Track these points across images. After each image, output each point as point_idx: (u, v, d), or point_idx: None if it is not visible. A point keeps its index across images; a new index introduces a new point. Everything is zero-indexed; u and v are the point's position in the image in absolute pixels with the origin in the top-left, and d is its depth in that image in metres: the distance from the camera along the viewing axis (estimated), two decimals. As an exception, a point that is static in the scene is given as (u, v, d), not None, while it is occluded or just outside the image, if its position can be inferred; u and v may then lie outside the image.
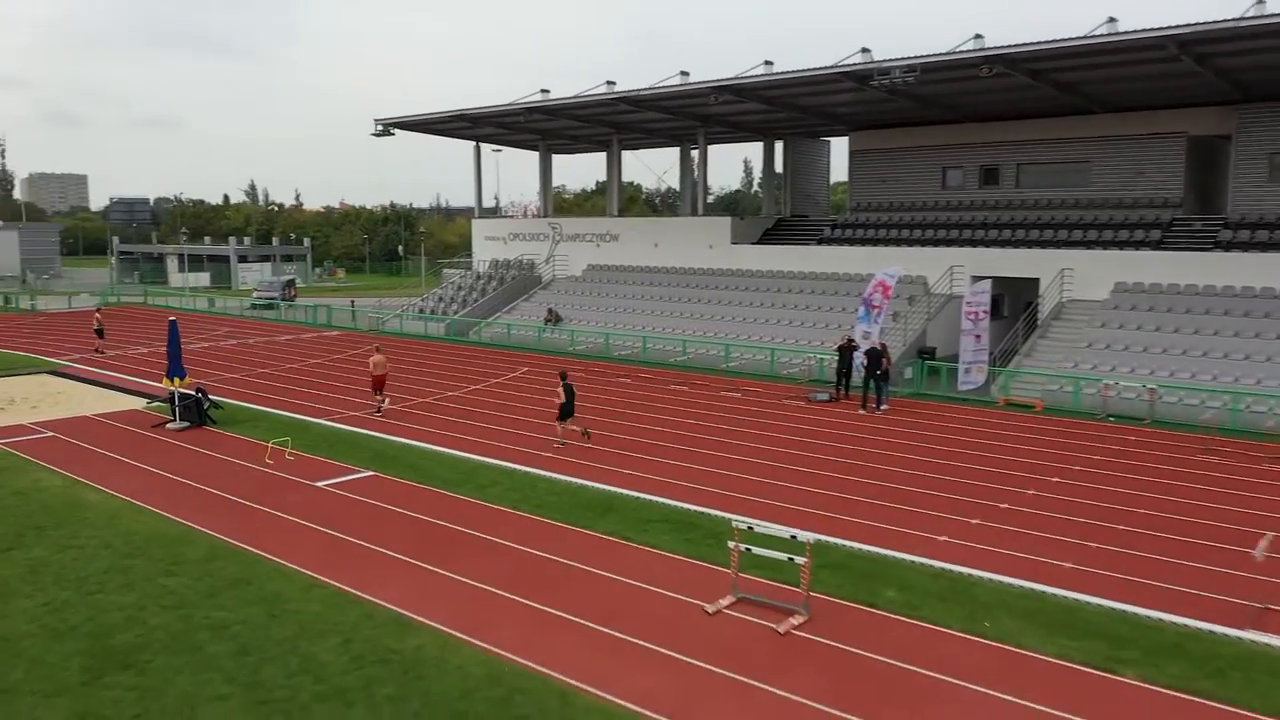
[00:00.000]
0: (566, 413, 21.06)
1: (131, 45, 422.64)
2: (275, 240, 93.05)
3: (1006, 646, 10.88)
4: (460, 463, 19.46)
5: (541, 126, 45.86)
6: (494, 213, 65.59)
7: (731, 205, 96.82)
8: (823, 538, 14.47)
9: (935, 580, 12.96)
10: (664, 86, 35.55)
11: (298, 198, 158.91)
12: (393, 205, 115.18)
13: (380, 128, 44.84)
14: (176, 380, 22.79)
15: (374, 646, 10.78)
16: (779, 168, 46.46)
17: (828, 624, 11.49)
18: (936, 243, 36.49)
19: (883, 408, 24.95)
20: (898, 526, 15.26)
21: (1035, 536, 14.82)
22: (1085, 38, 26.36)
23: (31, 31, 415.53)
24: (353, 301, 52.13)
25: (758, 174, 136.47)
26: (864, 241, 38.67)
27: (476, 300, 45.10)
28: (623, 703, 9.54)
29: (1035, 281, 32.13)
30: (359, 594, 12.35)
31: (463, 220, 49.78)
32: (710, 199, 76.06)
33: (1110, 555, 13.98)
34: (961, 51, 28.49)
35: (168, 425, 22.75)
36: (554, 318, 40.45)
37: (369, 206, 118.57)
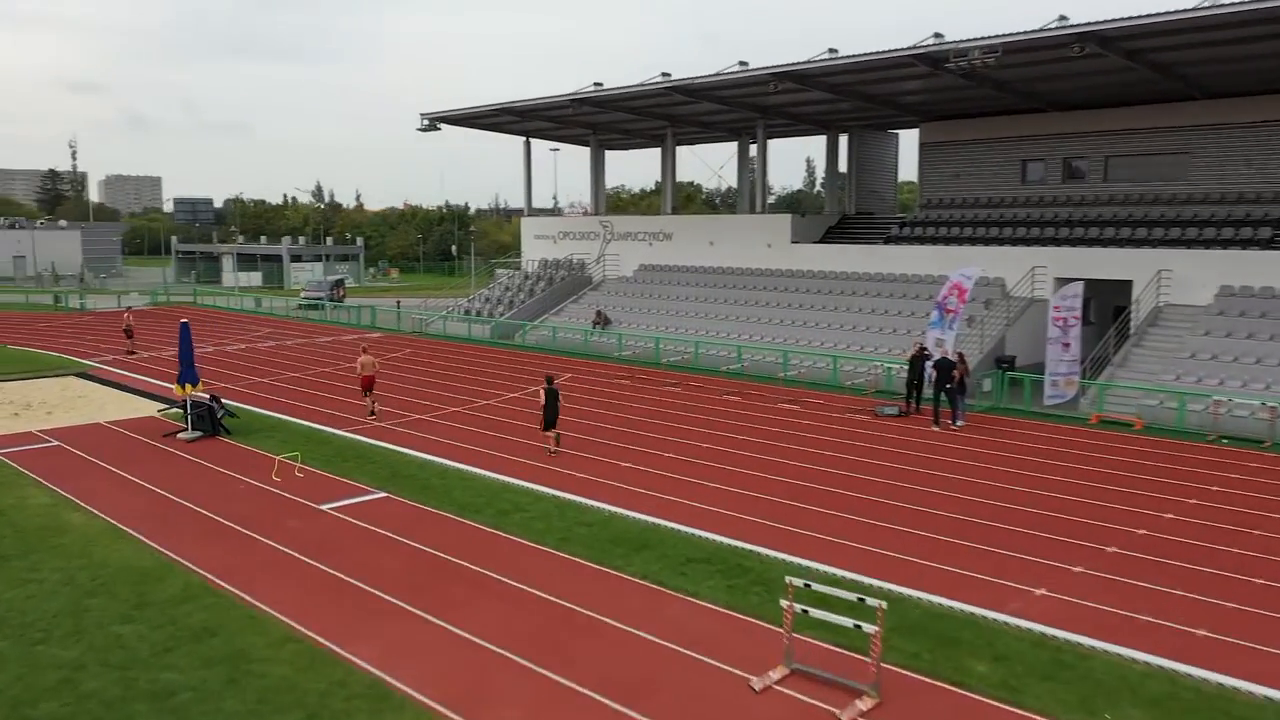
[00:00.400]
0: (550, 421, 19.70)
1: (206, 51, 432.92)
2: (329, 240, 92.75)
3: (1139, 755, 8.49)
4: (483, 484, 17.47)
5: (592, 120, 43.92)
6: (554, 213, 64.23)
7: (793, 205, 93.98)
8: (894, 588, 12.13)
9: (1036, 650, 10.53)
10: (721, 75, 33.28)
11: (358, 198, 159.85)
12: (448, 205, 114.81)
13: (426, 122, 43.30)
14: (188, 387, 21.24)
15: (338, 731, 8.80)
16: (843, 163, 43.80)
17: (903, 710, 9.19)
18: (1015, 242, 33.59)
19: (958, 424, 22.39)
20: (984, 574, 12.82)
21: (1155, 592, 12.26)
22: (1193, 10, 23.46)
23: (111, 39, 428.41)
24: (398, 302, 50.79)
25: (820, 172, 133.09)
26: (935, 240, 35.92)
27: (523, 302, 43.29)
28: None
29: (1127, 284, 29.13)
30: (338, 650, 10.38)
31: (518, 220, 48.42)
32: (771, 199, 73.52)
33: (1255, 622, 11.38)
34: (1049, 29, 25.72)
35: (179, 435, 21.21)
36: (602, 320, 38.43)
37: (425, 206, 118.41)
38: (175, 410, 22.75)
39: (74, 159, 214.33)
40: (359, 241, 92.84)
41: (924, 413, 23.78)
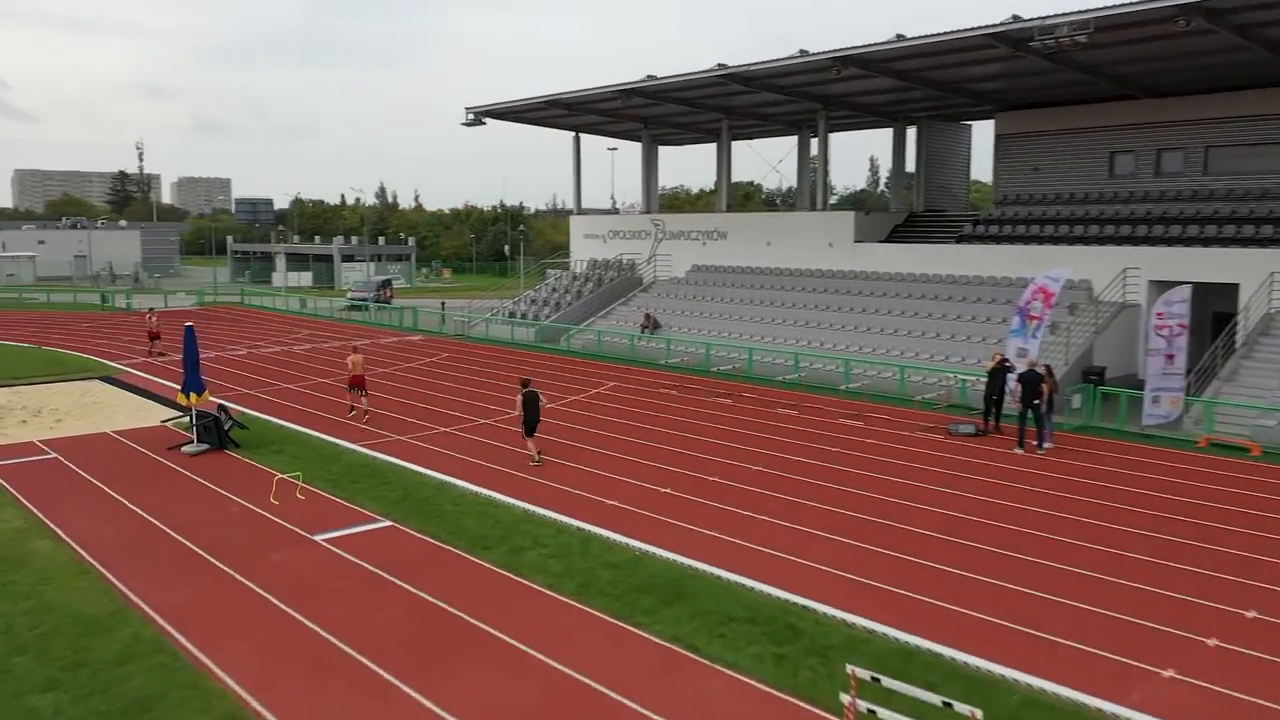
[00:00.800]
0: (530, 427, 18.37)
1: (276, 58, 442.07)
2: (381, 240, 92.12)
3: None
4: (501, 511, 15.43)
5: (644, 113, 41.77)
6: (613, 212, 62.29)
7: (856, 205, 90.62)
8: (985, 664, 9.76)
9: (1177, 767, 8.10)
10: (779, 61, 30.87)
11: (417, 198, 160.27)
12: (502, 204, 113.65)
13: (471, 116, 41.59)
14: (193, 396, 19.59)
15: None
16: (910, 157, 40.99)
17: None
18: (1103, 241, 30.61)
19: (1045, 446, 19.73)
20: (1096, 648, 10.34)
21: (1321, 680, 9.68)
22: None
23: (185, 45, 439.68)
24: (443, 304, 49.26)
25: (885, 170, 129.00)
26: (1012, 240, 33.03)
27: (570, 304, 41.33)
28: None
29: (1231, 289, 26.04)
30: (287, 741, 8.39)
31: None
32: (833, 199, 70.40)
33: None
34: (1149, 1, 22.85)
35: (183, 449, 19.58)
36: (651, 324, 36.26)
37: (480, 206, 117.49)
38: (185, 419, 21.15)
39: (140, 160, 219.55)
40: (410, 241, 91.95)
41: (1004, 432, 21.17)
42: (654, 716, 8.83)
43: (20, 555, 13.31)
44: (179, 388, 21.10)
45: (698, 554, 13.26)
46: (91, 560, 13.07)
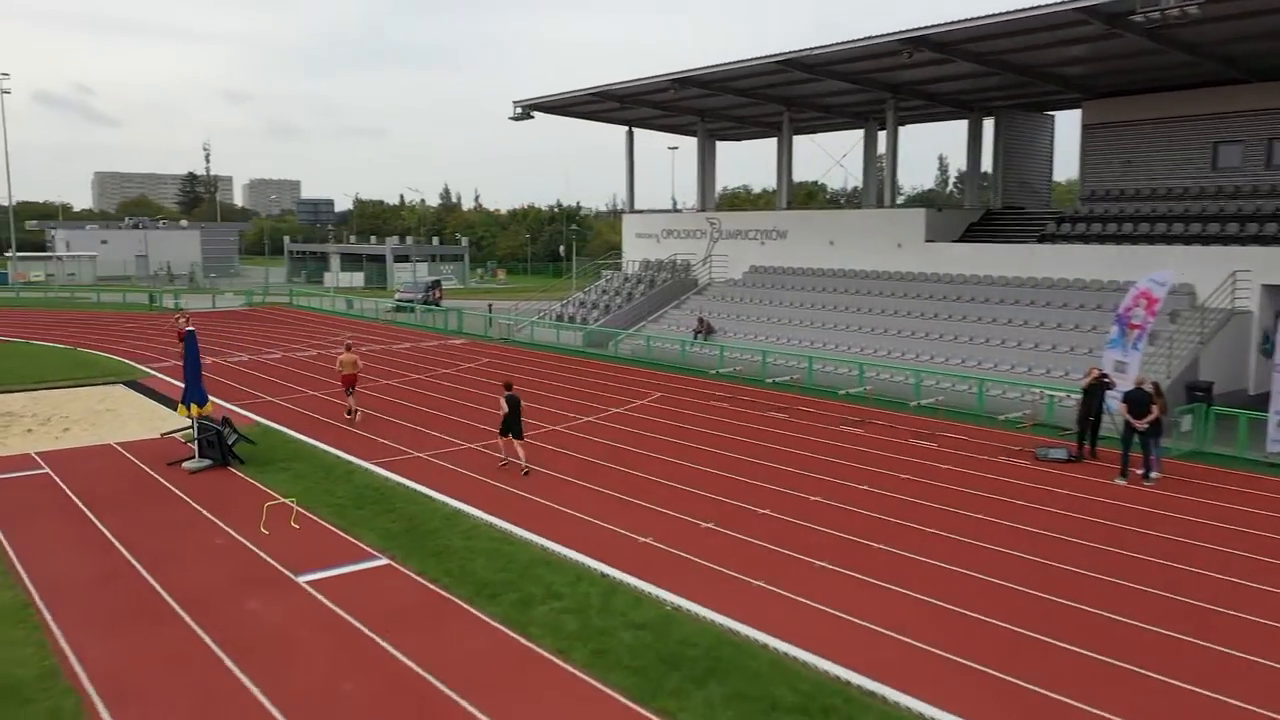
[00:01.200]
0: (508, 429, 17.52)
1: (346, 62, 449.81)
2: (435, 240, 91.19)
3: None
4: (517, 550, 13.36)
5: (700, 106, 39.59)
6: (676, 210, 60.12)
7: (925, 205, 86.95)
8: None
9: None
10: (844, 45, 28.38)
11: (477, 199, 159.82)
12: (559, 203, 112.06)
13: (519, 110, 39.81)
14: (194, 407, 17.92)
15: None
16: (987, 150, 38.00)
17: None
18: (1207, 240, 27.49)
19: (1153, 476, 17.02)
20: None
21: None
22: None
23: (258, 49, 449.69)
24: (490, 306, 47.56)
25: (956, 169, 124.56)
26: (1102, 239, 30.06)
27: (620, 306, 39.25)
28: None
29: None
30: None
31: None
32: (900, 200, 67.05)
33: None
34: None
35: (184, 464, 17.92)
36: (704, 329, 34.01)
37: (538, 206, 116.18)
38: (186, 431, 19.52)
39: (207, 162, 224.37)
40: (464, 241, 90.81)
41: (1101, 458, 18.49)
42: None
43: (-38, 595, 11.65)
44: (212, 399, 19.74)
45: (740, 612, 11.01)
46: (40, 603, 11.34)
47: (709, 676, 9.50)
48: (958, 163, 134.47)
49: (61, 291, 62.56)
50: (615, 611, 11.17)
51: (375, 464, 18.12)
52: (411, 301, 50.71)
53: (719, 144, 47.03)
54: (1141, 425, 16.96)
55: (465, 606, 11.33)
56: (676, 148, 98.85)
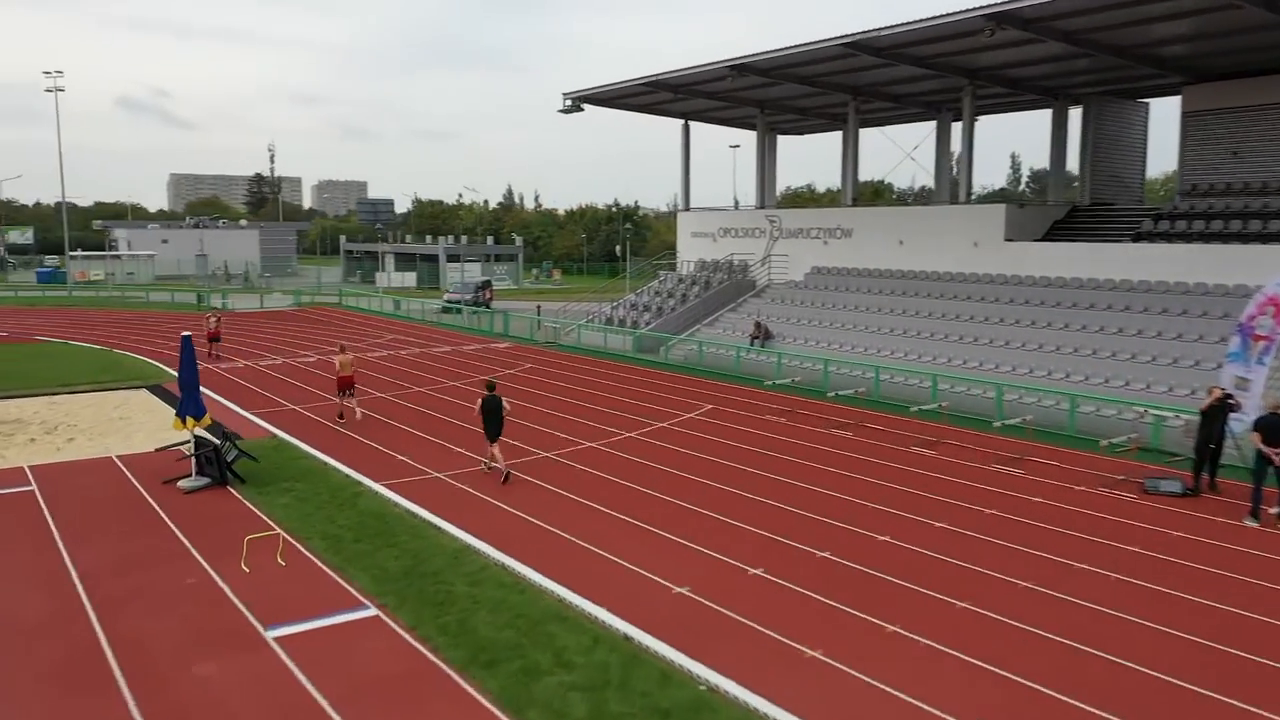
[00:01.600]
0: (491, 433, 16.77)
1: (415, 65, 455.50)
2: (491, 240, 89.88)
3: None
4: (529, 599, 11.31)
5: (760, 96, 37.29)
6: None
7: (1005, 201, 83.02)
8: None
9: None
10: (918, 24, 25.84)
11: (537, 199, 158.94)
12: (617, 202, 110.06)
13: (569, 102, 37.94)
14: (190, 421, 16.25)
15: None
16: (1073, 142, 34.99)
17: None
18: (1332, 239, 24.41)
19: (1289, 517, 14.33)
20: None
21: None
22: None
23: (330, 54, 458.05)
24: (538, 308, 45.74)
25: (1029, 167, 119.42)
26: (1206, 237, 27.03)
27: (673, 309, 37.11)
28: None
29: None
30: None
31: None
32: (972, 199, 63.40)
33: None
34: None
35: (180, 483, 16.28)
36: (761, 334, 31.69)
37: (596, 205, 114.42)
38: (189, 445, 17.91)
39: (272, 163, 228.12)
40: (518, 240, 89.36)
41: (1221, 491, 15.80)
42: None
43: (-121, 646, 10.00)
44: (235, 406, 18.28)
45: (793, 697, 8.81)
46: (-38, 660, 9.63)
47: (748, 796, 7.33)
48: (1031, 160, 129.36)
49: (114, 291, 62.51)
50: (636, 690, 9.05)
51: (385, 485, 16.25)
52: (460, 302, 49.16)
53: (780, 138, 44.64)
54: (1234, 453, 14.33)
55: (455, 677, 9.32)
56: (738, 146, 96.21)
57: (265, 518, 14.48)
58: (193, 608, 11.07)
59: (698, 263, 41.05)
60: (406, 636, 10.29)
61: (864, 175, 41.81)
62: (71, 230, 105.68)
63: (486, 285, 57.45)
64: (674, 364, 31.76)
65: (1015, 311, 27.57)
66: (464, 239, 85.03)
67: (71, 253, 75.31)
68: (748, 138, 53.73)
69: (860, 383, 25.69)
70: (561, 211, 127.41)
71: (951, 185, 38.36)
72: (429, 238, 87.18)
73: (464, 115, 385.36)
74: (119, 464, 17.79)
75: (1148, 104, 34.99)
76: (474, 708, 8.75)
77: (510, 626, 10.50)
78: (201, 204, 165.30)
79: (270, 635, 10.28)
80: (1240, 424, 16.07)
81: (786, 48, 29.36)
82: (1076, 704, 8.77)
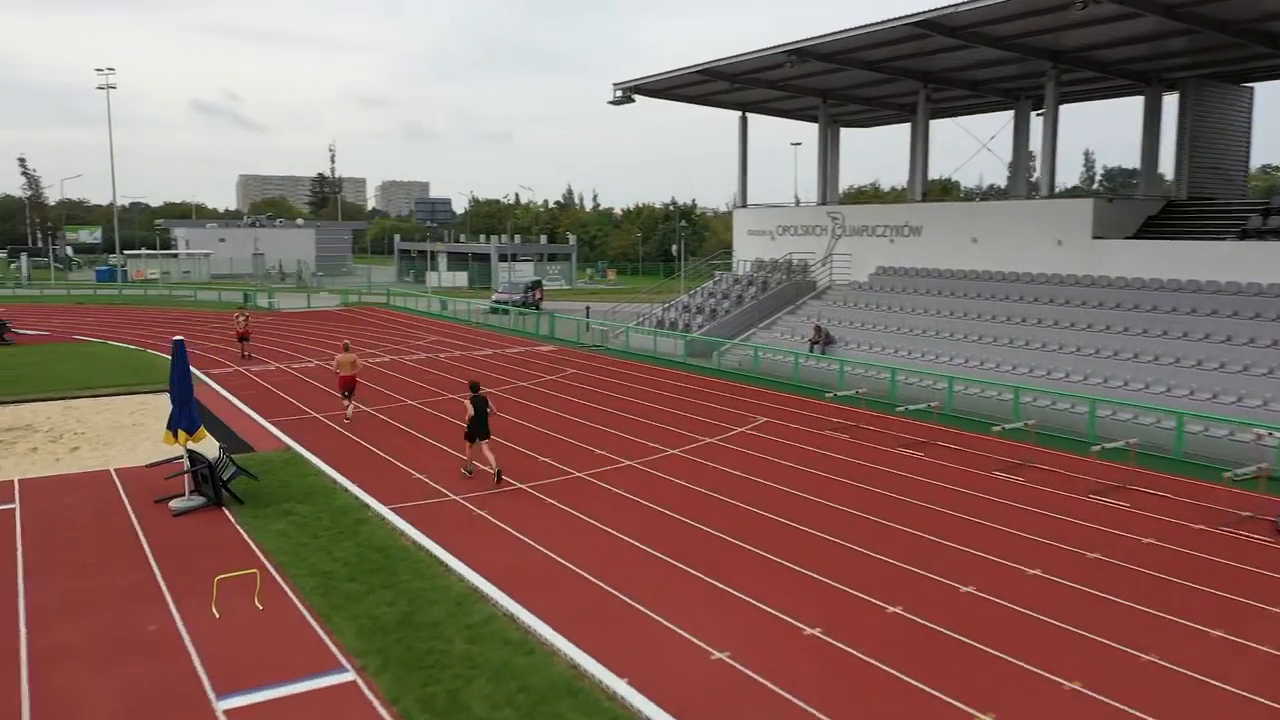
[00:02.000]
0: (474, 433, 16.00)
1: (480, 66, 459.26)
2: (544, 239, 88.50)
3: None
4: (535, 665, 9.40)
5: (821, 85, 35.00)
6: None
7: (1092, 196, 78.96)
8: None
9: None
10: None
11: (595, 198, 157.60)
12: (674, 201, 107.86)
13: (619, 93, 36.09)
14: (182, 435, 14.69)
15: None
16: (1169, 129, 32.01)
17: None
18: None
19: None
20: None
21: None
22: None
23: (395, 58, 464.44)
24: (587, 309, 43.93)
25: (1103, 164, 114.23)
26: (1326, 235, 24.12)
27: (727, 311, 35.00)
28: None
29: None
30: None
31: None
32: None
33: None
34: None
35: (172, 503, 14.73)
36: (821, 339, 29.44)
37: (652, 204, 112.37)
38: (184, 461, 16.38)
39: (333, 163, 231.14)
40: (571, 239, 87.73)
41: (1374, 533, 13.27)
42: None
43: None
44: (255, 415, 16.86)
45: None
46: None
47: None
48: (1106, 158, 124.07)
49: (163, 290, 62.32)
50: (657, 805, 7.08)
51: (395, 509, 14.50)
52: (508, 303, 47.62)
53: (844, 131, 42.15)
54: None
55: (432, 778, 7.45)
56: (800, 143, 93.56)
57: (255, 547, 12.84)
58: (142, 665, 9.39)
59: (754, 262, 38.89)
60: (383, 713, 8.46)
61: (931, 173, 39.14)
62: (138, 230, 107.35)
63: (536, 285, 55.79)
64: (727, 371, 29.64)
65: (1105, 316, 24.92)
66: (517, 238, 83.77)
67: (131, 252, 75.88)
68: (809, 132, 51.37)
69: (932, 395, 23.33)
70: (619, 211, 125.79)
71: (1027, 183, 35.56)
72: (482, 237, 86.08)
73: (525, 116, 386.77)
74: (115, 479, 16.35)
75: (1252, 89, 31.84)
76: (448, 824, 6.87)
77: (509, 704, 8.59)
78: (264, 204, 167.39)
79: (221, 707, 8.54)
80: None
81: (850, 29, 27.07)
82: None
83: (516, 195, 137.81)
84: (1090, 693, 8.77)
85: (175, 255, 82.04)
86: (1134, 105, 32.25)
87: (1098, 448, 17.17)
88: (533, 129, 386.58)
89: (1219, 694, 8.80)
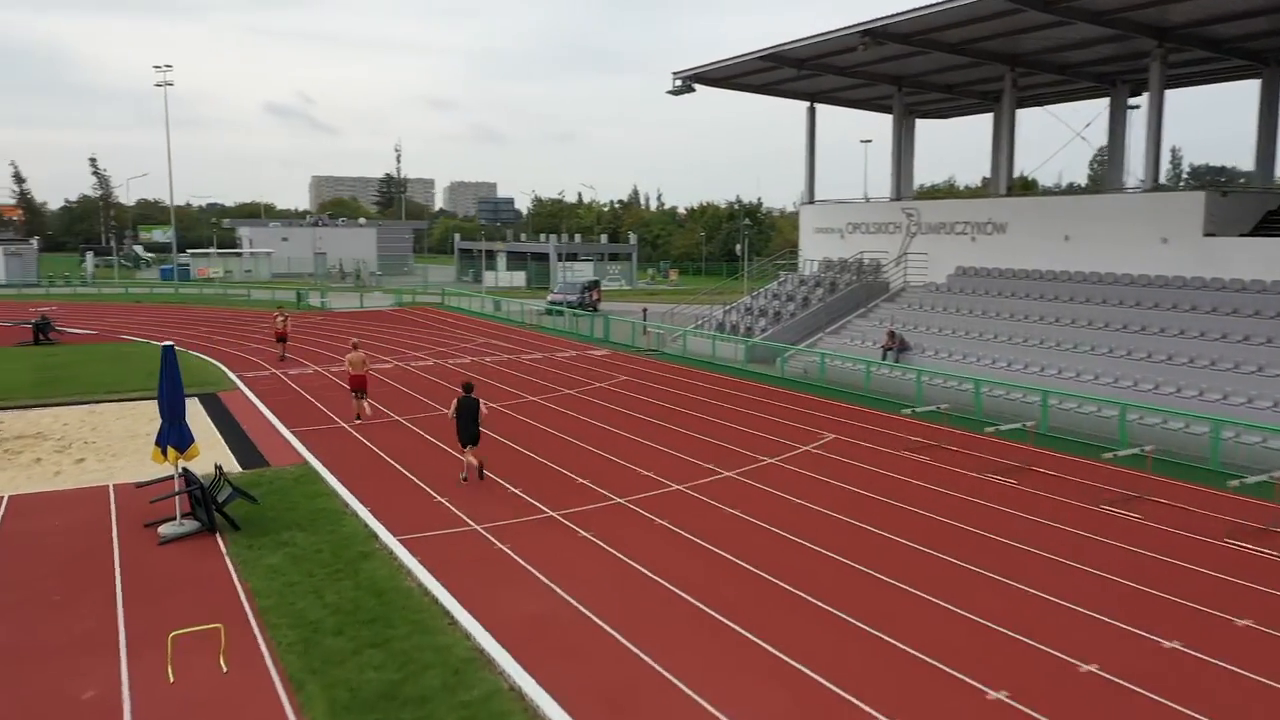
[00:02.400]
0: (465, 438, 15.48)
1: (549, 68, 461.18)
2: (604, 238, 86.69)
3: None
4: (539, 766, 7.45)
5: (897, 71, 32.49)
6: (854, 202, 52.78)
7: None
8: None
9: None
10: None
11: (659, 198, 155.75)
12: (739, 199, 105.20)
13: (679, 83, 34.03)
14: (171, 452, 13.07)
15: None
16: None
17: None
18: None
19: None
20: None
21: None
22: None
23: (464, 60, 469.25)
24: (644, 311, 41.91)
25: (1189, 163, 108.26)
26: None
27: (792, 314, 32.70)
28: None
29: None
30: None
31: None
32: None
33: None
34: None
35: (161, 528, 13.14)
36: (896, 346, 27.01)
37: (716, 203, 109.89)
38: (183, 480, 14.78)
39: (398, 163, 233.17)
40: (632, 239, 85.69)
41: None
42: None
43: None
44: (296, 421, 15.22)
45: None
46: None
47: None
48: (1193, 156, 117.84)
49: (219, 289, 61.97)
50: None
51: (405, 540, 12.68)
52: (563, 304, 45.87)
53: (919, 123, 39.48)
54: None
55: None
56: (870, 141, 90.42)
57: (239, 586, 11.14)
58: (64, 749, 7.68)
59: (822, 262, 36.49)
60: (338, 834, 6.58)
61: (1018, 169, 36.23)
62: (210, 229, 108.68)
63: (594, 286, 53.92)
64: (791, 379, 27.36)
65: (1222, 324, 22.09)
66: (577, 237, 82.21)
67: (195, 250, 76.16)
68: (881, 126, 48.72)
69: (1025, 412, 20.79)
70: (682, 210, 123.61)
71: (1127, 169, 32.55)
72: (542, 236, 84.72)
73: (593, 117, 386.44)
74: (111, 497, 14.87)
75: (1387, 68, 28.43)
76: None
77: (499, 826, 6.64)
78: (331, 204, 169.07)
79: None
80: None
81: (932, 4, 24.56)
82: None
83: (579, 194, 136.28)
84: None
85: (239, 254, 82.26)
86: (1226, 95, 29.11)
87: (1235, 483, 14.60)
88: (601, 129, 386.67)
89: None
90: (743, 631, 9.89)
